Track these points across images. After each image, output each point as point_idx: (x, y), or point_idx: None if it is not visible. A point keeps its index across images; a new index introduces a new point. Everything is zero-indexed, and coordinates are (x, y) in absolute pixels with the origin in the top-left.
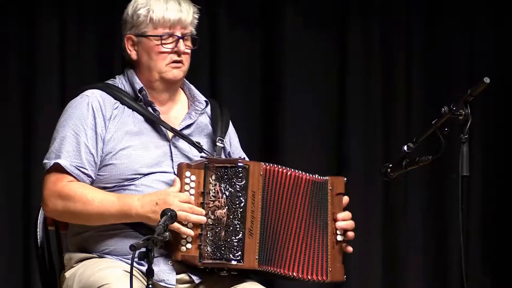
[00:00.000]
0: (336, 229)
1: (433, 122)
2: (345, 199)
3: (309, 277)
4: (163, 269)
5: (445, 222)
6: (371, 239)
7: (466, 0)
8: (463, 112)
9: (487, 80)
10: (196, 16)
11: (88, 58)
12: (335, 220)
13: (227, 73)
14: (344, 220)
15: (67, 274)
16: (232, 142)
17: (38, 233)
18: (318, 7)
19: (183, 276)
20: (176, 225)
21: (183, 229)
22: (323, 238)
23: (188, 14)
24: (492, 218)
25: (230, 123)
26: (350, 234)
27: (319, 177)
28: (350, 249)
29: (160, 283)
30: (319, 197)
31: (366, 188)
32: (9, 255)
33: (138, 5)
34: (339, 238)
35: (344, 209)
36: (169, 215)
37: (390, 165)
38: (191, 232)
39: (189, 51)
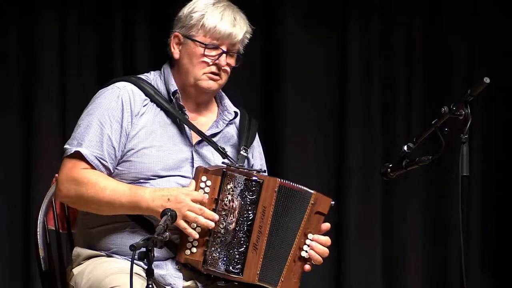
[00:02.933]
0: (305, 244)
1: (433, 122)
2: (326, 224)
3: (257, 282)
4: (170, 273)
5: (445, 222)
6: (371, 239)
7: (466, 0)
8: (463, 112)
9: (487, 80)
10: (248, 36)
11: (88, 58)
12: (306, 235)
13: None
14: (316, 241)
15: (75, 270)
16: (254, 154)
17: (38, 233)
18: (318, 7)
19: (190, 283)
20: (183, 224)
21: (189, 230)
22: (286, 248)
23: (240, 32)
24: (492, 218)
25: (257, 136)
26: (312, 253)
27: (305, 188)
28: (307, 267)
29: (167, 287)
30: (296, 207)
31: (366, 188)
32: (9, 255)
33: (196, 7)
34: (304, 254)
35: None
36: (169, 215)
37: (390, 165)
38: (195, 235)
39: (228, 68)
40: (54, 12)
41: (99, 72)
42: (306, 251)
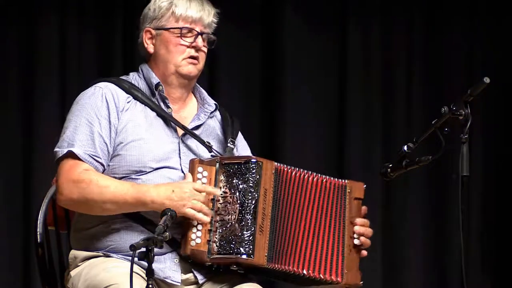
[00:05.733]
0: (354, 233)
1: (433, 122)
2: (364, 208)
3: (321, 275)
4: (169, 266)
5: (445, 222)
6: (371, 239)
7: (466, 0)
8: (463, 112)
9: (487, 80)
10: (216, 19)
11: (88, 58)
12: (352, 224)
13: (226, 73)
14: (362, 226)
15: (73, 273)
16: (238, 149)
17: (38, 233)
18: (318, 7)
19: (189, 276)
20: (191, 212)
21: (198, 215)
22: (339, 240)
23: (209, 15)
24: (492, 218)
25: (240, 134)
26: (363, 238)
27: (338, 180)
28: (364, 252)
29: (166, 280)
30: (337, 200)
31: (366, 188)
32: (9, 255)
33: (162, 1)
34: (356, 242)
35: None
36: (169, 215)
37: (390, 165)
38: (207, 219)
39: (205, 49)
40: (54, 12)
41: (99, 72)
42: (358, 239)
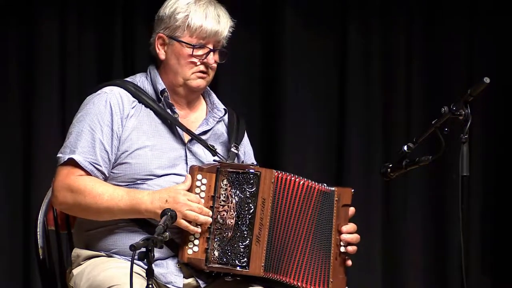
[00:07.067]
0: (340, 241)
1: (433, 122)
2: (351, 210)
3: (308, 285)
4: (171, 271)
5: (445, 222)
6: (371, 239)
7: (466, 0)
8: (463, 112)
9: (487, 80)
10: (231, 30)
11: (88, 58)
12: (339, 231)
13: (227, 73)
14: (349, 233)
15: (75, 271)
16: (246, 152)
17: (38, 233)
18: (318, 7)
19: (191, 281)
20: (184, 223)
21: (192, 227)
22: (326, 249)
23: (225, 28)
24: (492, 218)
25: (246, 135)
26: (351, 248)
27: (326, 187)
28: (349, 262)
29: (168, 285)
30: (325, 208)
31: (366, 188)
32: (9, 255)
33: (178, 7)
34: (342, 249)
35: (350, 221)
36: (169, 215)
37: (390, 165)
38: (199, 230)
39: (215, 65)
40: (54, 12)
41: (99, 72)
42: (344, 246)
